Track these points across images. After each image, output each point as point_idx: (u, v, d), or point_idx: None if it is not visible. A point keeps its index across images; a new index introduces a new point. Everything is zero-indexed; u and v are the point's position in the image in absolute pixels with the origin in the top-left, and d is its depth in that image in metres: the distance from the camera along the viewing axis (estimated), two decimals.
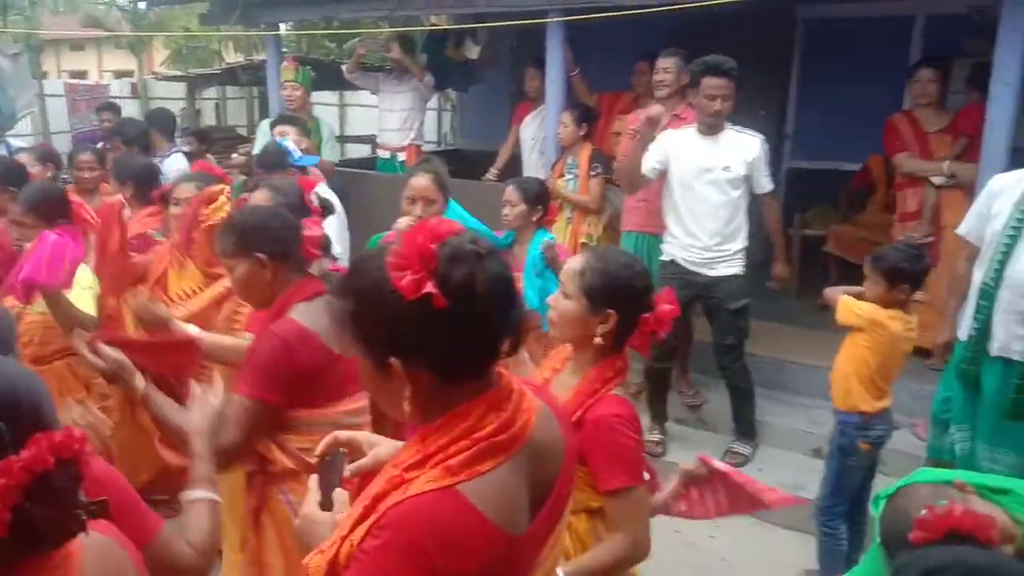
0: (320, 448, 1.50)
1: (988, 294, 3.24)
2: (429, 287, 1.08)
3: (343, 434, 1.55)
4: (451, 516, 1.07)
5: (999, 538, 1.26)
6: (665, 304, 1.97)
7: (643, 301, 1.95)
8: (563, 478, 1.26)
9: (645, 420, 4.43)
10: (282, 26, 7.48)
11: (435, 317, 1.09)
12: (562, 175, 5.00)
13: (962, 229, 3.45)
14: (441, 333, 1.11)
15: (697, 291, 4.19)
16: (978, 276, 3.31)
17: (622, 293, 1.92)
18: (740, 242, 4.16)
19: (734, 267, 4.16)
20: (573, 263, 1.99)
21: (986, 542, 1.23)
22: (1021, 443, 3.12)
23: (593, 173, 4.89)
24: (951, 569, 1.18)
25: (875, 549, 1.56)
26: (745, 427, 4.39)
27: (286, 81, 5.72)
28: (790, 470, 4.16)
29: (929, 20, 6.06)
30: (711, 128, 4.11)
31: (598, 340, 1.91)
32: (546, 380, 2.03)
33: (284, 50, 7.19)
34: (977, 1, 5.36)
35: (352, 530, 1.13)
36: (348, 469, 1.46)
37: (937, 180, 4.60)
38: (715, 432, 4.58)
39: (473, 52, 6.45)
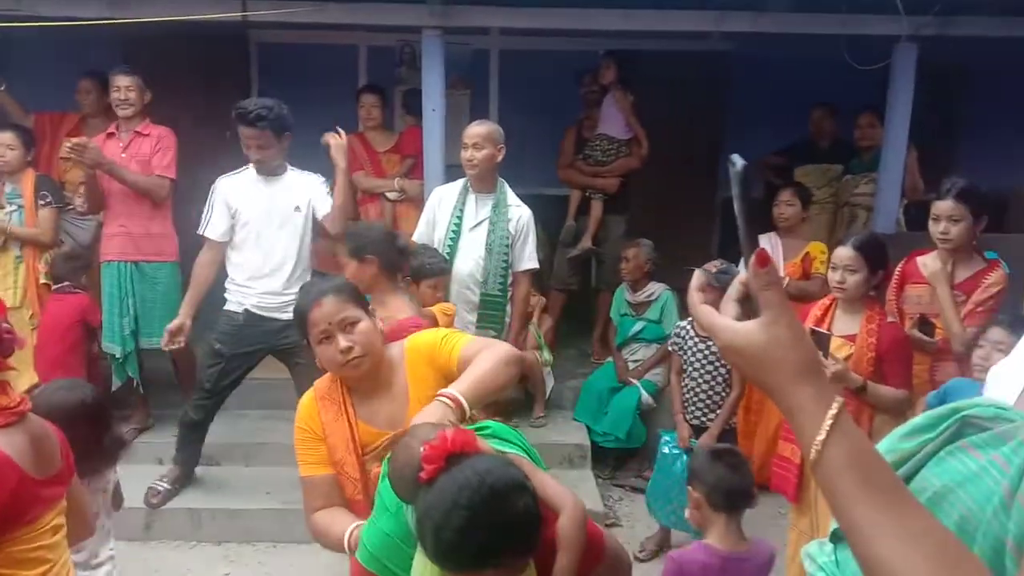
0: None
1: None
2: None
3: None
4: None
5: (485, 447, 1.49)
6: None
7: None
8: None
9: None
10: None
11: None
12: (1, 206, 4.31)
13: (416, 235, 3.94)
14: None
15: (268, 338, 3.89)
16: None
17: None
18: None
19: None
20: None
21: (476, 452, 1.44)
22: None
23: (42, 202, 4.35)
24: (471, 483, 1.34)
25: (383, 485, 1.69)
26: None
27: None
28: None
29: (370, 50, 6.72)
30: (270, 171, 3.86)
31: None
32: None
33: None
34: (406, 37, 6.15)
35: None
36: None
37: (391, 195, 5.16)
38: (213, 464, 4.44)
39: None
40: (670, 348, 4.03)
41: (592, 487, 4.39)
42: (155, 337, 4.35)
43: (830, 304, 3.15)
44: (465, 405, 1.77)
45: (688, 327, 3.86)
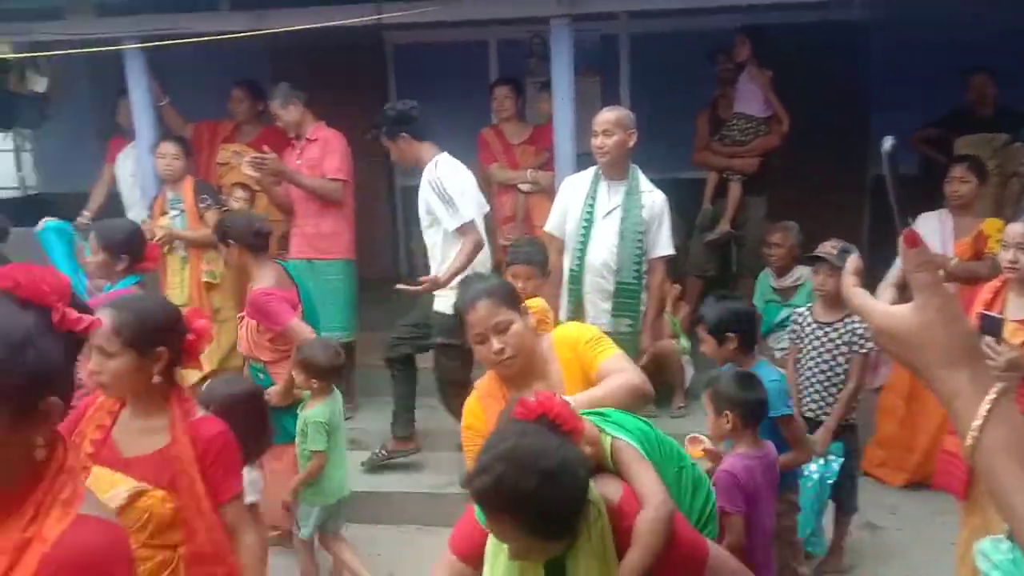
0: None
1: (576, 278, 3.75)
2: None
3: None
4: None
5: (580, 437, 1.56)
6: (198, 320, 2.10)
7: (182, 327, 2.05)
8: None
9: None
10: None
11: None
12: (165, 212, 4.67)
13: (548, 226, 3.94)
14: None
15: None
16: (566, 264, 3.81)
17: (165, 328, 2.00)
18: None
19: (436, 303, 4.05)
20: (102, 324, 1.93)
21: (568, 432, 1.53)
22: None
23: (203, 205, 4.65)
24: (511, 436, 1.49)
25: None
26: None
27: None
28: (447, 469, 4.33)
29: (501, 44, 6.78)
30: (410, 170, 4.15)
31: (157, 379, 1.97)
32: (107, 433, 2.01)
33: None
34: (536, 28, 6.16)
35: None
36: None
37: (524, 187, 5.18)
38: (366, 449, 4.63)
39: (39, 84, 5.71)
40: (787, 336, 3.84)
41: None
42: (326, 332, 4.59)
43: (1000, 286, 2.89)
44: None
45: (806, 313, 3.65)
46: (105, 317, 1.91)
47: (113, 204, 5.52)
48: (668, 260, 3.82)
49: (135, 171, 5.34)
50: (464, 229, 3.90)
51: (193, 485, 1.92)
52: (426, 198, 3.95)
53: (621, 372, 2.01)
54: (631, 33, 6.51)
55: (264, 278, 3.57)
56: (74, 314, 1.10)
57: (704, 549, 1.65)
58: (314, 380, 3.29)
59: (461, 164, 4.09)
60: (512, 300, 2.12)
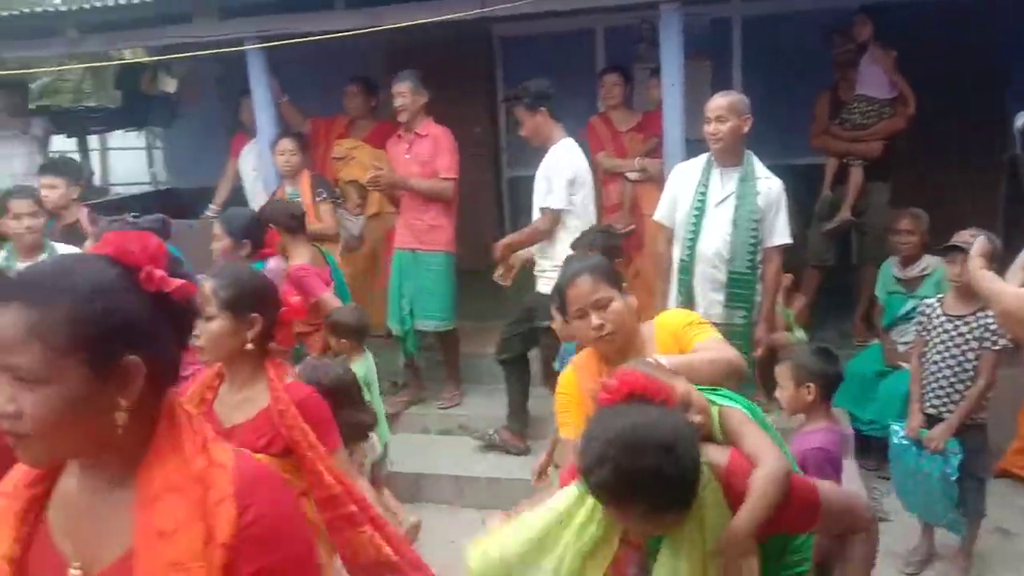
0: None
1: (686, 268, 3.67)
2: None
3: None
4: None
5: (675, 401, 1.51)
6: (292, 296, 2.23)
7: (277, 299, 2.16)
8: None
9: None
10: None
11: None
12: None
13: (657, 215, 3.87)
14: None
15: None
16: (676, 254, 3.73)
17: (260, 295, 2.12)
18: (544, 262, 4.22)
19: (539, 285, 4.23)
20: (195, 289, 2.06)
21: (662, 403, 1.47)
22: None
23: (319, 199, 4.81)
24: (611, 419, 1.44)
25: None
26: None
27: None
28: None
29: (607, 32, 6.70)
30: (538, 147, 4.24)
31: (249, 346, 2.07)
32: (209, 407, 2.10)
33: None
34: (645, 14, 6.06)
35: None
36: None
37: (632, 175, 5.09)
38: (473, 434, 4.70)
39: (170, 85, 6.07)
40: (914, 328, 3.64)
41: (856, 478, 4.07)
42: (426, 320, 4.70)
43: None
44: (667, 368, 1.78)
45: (936, 304, 3.45)
46: (206, 282, 2.08)
47: (238, 198, 5.79)
48: (784, 249, 3.69)
49: (257, 166, 5.58)
50: (545, 213, 4.07)
51: (307, 433, 2.01)
52: (546, 168, 4.14)
53: (718, 349, 1.99)
54: (744, 16, 6.32)
55: (300, 256, 3.94)
56: (159, 274, 1.07)
57: (817, 498, 1.57)
58: (344, 340, 3.63)
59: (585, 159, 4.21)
60: (613, 278, 2.12)
